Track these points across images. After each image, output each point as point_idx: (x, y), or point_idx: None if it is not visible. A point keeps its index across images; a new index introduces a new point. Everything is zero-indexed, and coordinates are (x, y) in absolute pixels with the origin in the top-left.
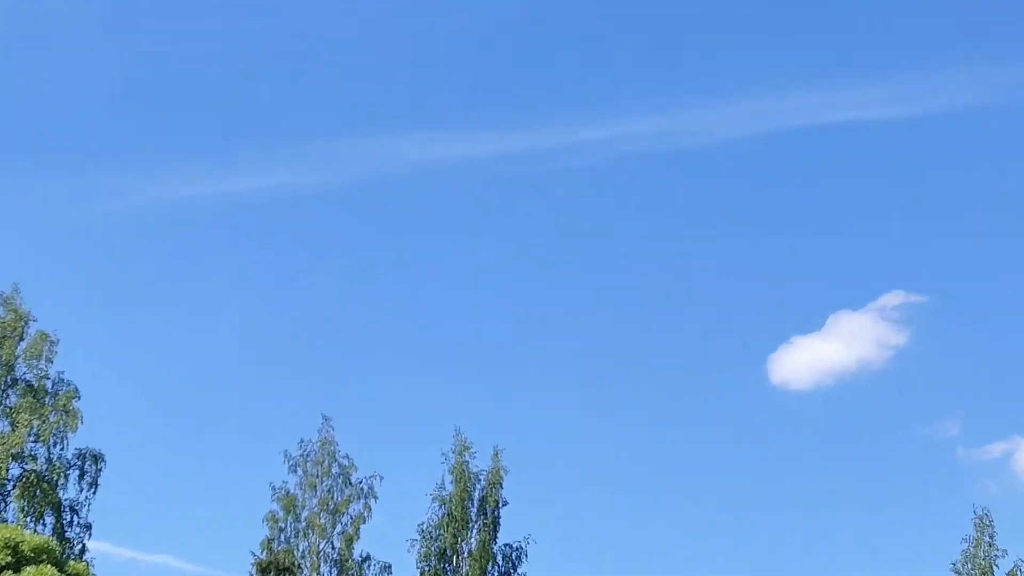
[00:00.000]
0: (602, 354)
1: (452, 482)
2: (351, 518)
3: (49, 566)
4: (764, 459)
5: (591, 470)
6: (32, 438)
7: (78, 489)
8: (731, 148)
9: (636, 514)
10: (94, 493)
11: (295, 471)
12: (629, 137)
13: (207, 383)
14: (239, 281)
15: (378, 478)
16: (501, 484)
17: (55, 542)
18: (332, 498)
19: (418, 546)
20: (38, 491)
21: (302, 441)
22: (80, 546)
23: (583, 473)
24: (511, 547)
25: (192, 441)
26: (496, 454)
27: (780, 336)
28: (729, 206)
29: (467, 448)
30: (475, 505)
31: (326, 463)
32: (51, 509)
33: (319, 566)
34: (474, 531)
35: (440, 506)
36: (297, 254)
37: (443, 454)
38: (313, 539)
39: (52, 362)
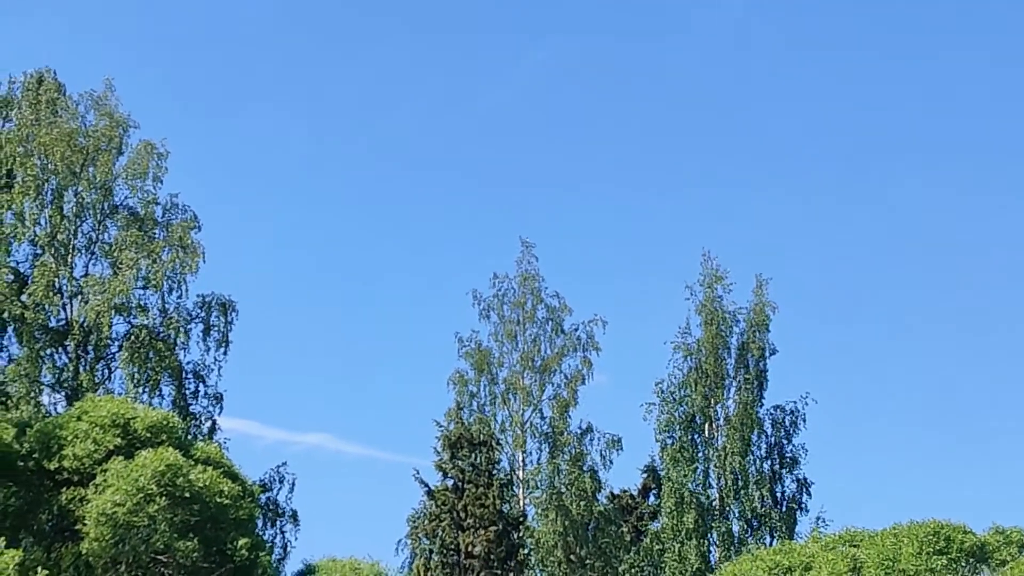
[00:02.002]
0: None
1: (701, 325)
2: (565, 377)
3: (170, 448)
4: None
5: (886, 306)
6: (141, 283)
7: (203, 349)
8: None
9: (945, 362)
10: (225, 354)
11: (487, 316)
12: None
13: (363, 203)
14: (401, 75)
15: (599, 323)
16: (767, 326)
17: (176, 418)
18: (538, 351)
19: (656, 412)
20: (151, 353)
21: (495, 277)
22: (209, 423)
23: (875, 310)
24: (782, 410)
25: (347, 283)
26: (759, 286)
27: None
28: None
29: (720, 279)
30: (732, 355)
31: (529, 305)
32: (169, 375)
33: (524, 440)
34: (732, 390)
35: (685, 358)
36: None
37: (687, 288)
38: (515, 406)
39: (162, 182)
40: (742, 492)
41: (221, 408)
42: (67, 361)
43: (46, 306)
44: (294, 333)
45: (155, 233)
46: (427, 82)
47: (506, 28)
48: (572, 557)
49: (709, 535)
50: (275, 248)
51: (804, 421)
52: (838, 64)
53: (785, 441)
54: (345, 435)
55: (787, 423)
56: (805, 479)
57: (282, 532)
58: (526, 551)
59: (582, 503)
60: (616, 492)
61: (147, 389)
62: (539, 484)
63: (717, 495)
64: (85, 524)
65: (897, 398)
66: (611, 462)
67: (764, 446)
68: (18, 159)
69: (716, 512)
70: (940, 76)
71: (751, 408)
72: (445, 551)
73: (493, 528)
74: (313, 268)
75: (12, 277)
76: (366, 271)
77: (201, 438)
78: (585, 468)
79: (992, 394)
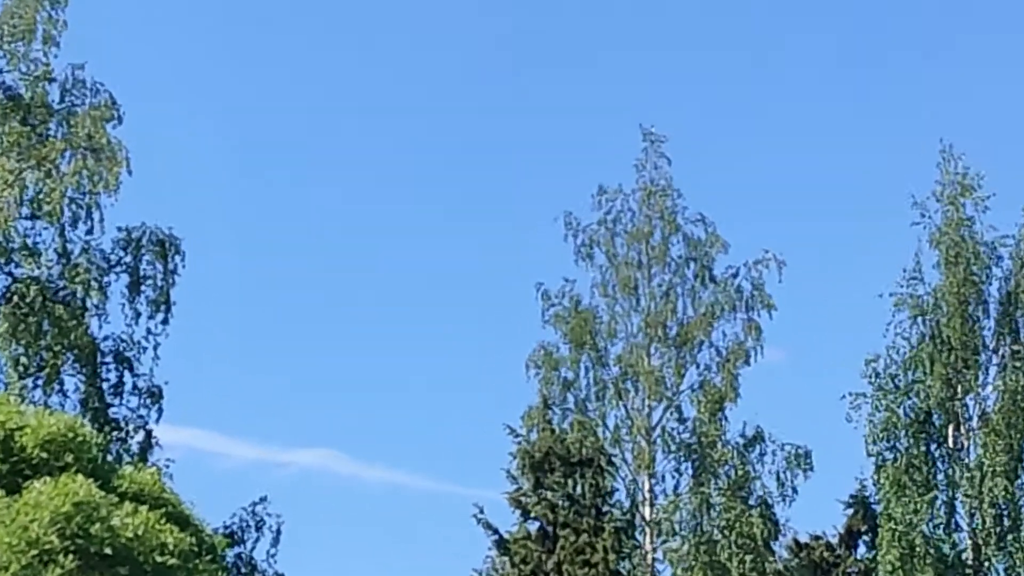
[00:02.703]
0: None
1: (939, 265)
2: (718, 354)
3: (79, 477)
4: None
5: None
6: (26, 210)
7: (129, 316)
8: None
9: None
10: (165, 324)
11: (589, 257)
12: None
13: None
14: None
15: (773, 264)
16: None
17: (88, 427)
18: (673, 312)
19: (867, 408)
20: (46, 322)
21: (601, 192)
22: (141, 435)
23: None
24: None
25: (353, 207)
26: None
27: None
28: None
29: (969, 190)
30: (992, 314)
31: (658, 237)
32: (76, 359)
33: (652, 458)
34: (991, 371)
35: (914, 320)
36: None
37: (915, 204)
38: (637, 401)
39: (58, 45)
40: (1009, 538)
41: (160, 411)
42: None
43: None
44: (275, 291)
45: (48, 128)
46: None
47: None
48: None
49: None
50: (243, 156)
51: None
52: None
53: None
54: (359, 451)
55: None
56: None
57: None
58: None
59: (748, 557)
60: (803, 540)
61: (40, 381)
62: (678, 527)
63: (969, 542)
64: None
65: None
66: (794, 491)
67: None
68: None
69: (969, 571)
70: None
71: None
72: None
73: None
74: (302, 186)
75: None
76: (384, 189)
77: (129, 459)
78: (753, 501)
79: None
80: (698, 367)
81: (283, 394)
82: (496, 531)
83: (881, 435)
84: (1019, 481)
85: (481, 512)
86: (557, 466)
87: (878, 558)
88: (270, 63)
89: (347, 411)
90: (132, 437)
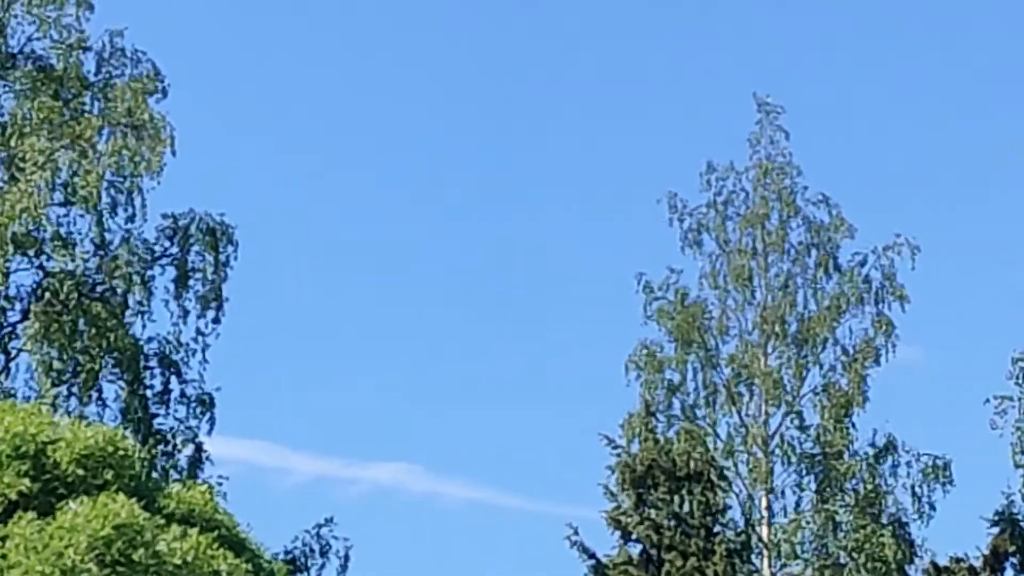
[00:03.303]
0: None
1: None
2: (844, 352)
3: (121, 496)
4: None
5: None
6: (59, 196)
7: (177, 315)
8: None
9: None
10: (217, 324)
11: (698, 243)
12: None
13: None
14: None
15: (907, 250)
16: None
17: (130, 440)
18: (792, 305)
19: (1015, 413)
20: (82, 321)
21: (710, 170)
22: (191, 448)
23: None
24: None
25: (428, 197)
26: None
27: None
28: None
29: None
30: None
31: (775, 219)
32: (116, 363)
33: (770, 471)
34: None
35: None
36: None
37: None
38: (752, 407)
39: (92, 8)
40: None
41: (212, 421)
42: None
43: None
44: (340, 287)
45: (83, 103)
46: None
47: None
48: None
49: None
50: (305, 136)
51: None
52: None
53: None
54: (439, 465)
55: None
56: None
57: None
58: None
59: None
60: (943, 563)
61: (76, 388)
62: (799, 549)
63: None
64: None
65: None
66: (932, 507)
67: None
68: None
69: None
70: None
71: None
72: None
73: None
74: (373, 178)
75: None
76: (466, 179)
77: (177, 476)
78: (884, 519)
79: None
80: (821, 368)
81: (352, 402)
82: (593, 555)
83: None
84: None
85: (576, 533)
86: (662, 481)
87: None
88: (333, 27)
89: (425, 421)
90: (180, 451)
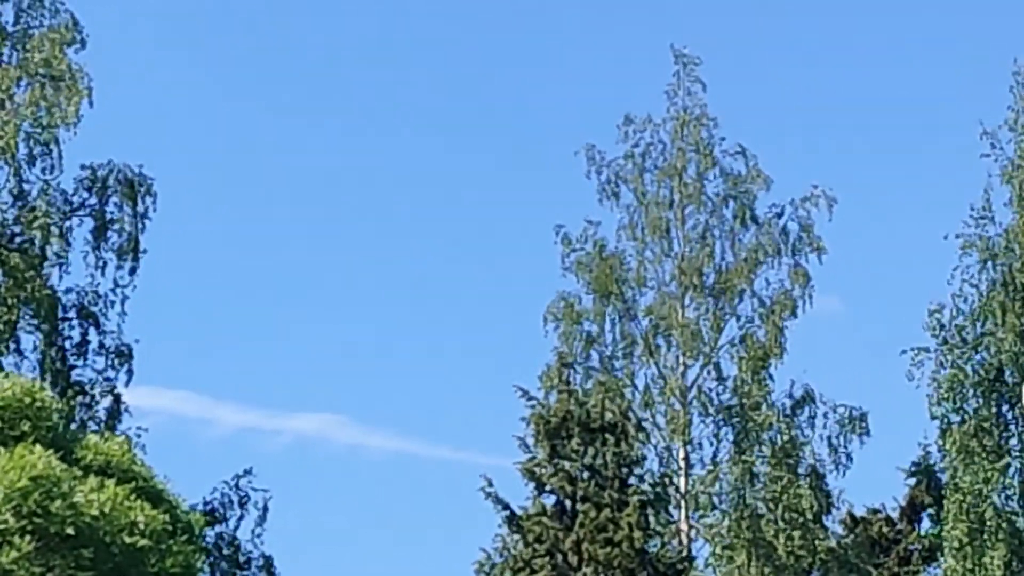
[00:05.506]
0: None
1: (1012, 203)
2: (761, 303)
3: (38, 447)
4: None
5: None
6: None
7: (93, 266)
8: None
9: None
10: (133, 275)
11: (615, 195)
12: None
13: None
14: None
15: (823, 201)
16: None
17: (48, 391)
18: (710, 256)
19: (930, 365)
20: None
21: (628, 122)
22: (109, 399)
23: None
24: None
25: (351, 141)
26: None
27: None
28: None
29: None
30: None
31: (692, 171)
32: (33, 314)
33: (687, 423)
34: None
35: (983, 264)
36: None
37: (984, 134)
38: (670, 359)
39: None
40: None
41: (131, 372)
42: None
43: None
44: (262, 239)
45: (0, 53)
46: None
47: None
48: None
49: None
50: (225, 86)
51: None
52: None
53: None
54: (364, 416)
55: None
56: None
57: None
58: None
59: (797, 534)
60: (860, 514)
61: None
62: (717, 500)
63: None
64: None
65: None
66: (849, 458)
67: None
68: None
69: None
70: None
71: None
72: None
73: None
74: (292, 118)
75: None
76: (382, 120)
77: (95, 428)
78: (802, 470)
79: None
80: (739, 319)
81: (277, 353)
82: (507, 506)
83: (947, 395)
84: None
85: (490, 484)
86: (576, 432)
87: (943, 533)
88: None
89: (350, 371)
90: (98, 403)
